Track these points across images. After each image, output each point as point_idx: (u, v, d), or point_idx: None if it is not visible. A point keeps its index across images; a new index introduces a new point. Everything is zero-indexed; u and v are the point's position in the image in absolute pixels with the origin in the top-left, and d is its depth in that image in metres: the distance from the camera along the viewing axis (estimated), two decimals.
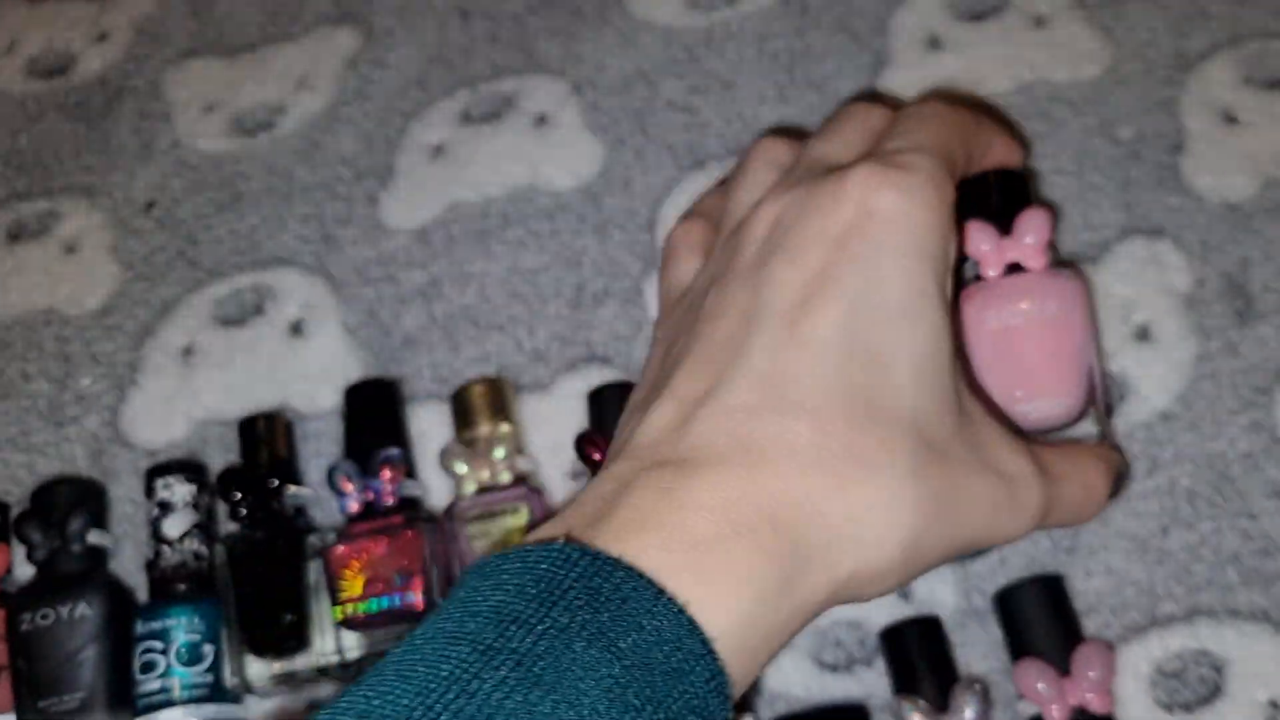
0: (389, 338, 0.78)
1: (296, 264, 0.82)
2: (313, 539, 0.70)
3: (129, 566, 0.76)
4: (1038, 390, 0.63)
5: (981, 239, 0.64)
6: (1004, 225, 0.64)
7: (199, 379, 0.80)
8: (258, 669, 0.70)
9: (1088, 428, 0.66)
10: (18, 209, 0.89)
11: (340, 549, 0.69)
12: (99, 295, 0.84)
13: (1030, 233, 0.64)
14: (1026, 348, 0.63)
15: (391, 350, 0.78)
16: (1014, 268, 0.64)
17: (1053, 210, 0.69)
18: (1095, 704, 0.60)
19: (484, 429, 0.72)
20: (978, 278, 0.65)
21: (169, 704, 0.69)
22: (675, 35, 0.84)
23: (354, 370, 0.78)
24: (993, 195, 0.66)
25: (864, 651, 0.68)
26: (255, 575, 0.70)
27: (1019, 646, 0.64)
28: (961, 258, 0.65)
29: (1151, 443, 0.68)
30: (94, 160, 0.89)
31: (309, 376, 0.78)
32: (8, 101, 0.93)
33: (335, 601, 0.68)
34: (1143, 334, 0.71)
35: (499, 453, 0.70)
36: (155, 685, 0.69)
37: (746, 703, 0.67)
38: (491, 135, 0.83)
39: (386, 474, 0.70)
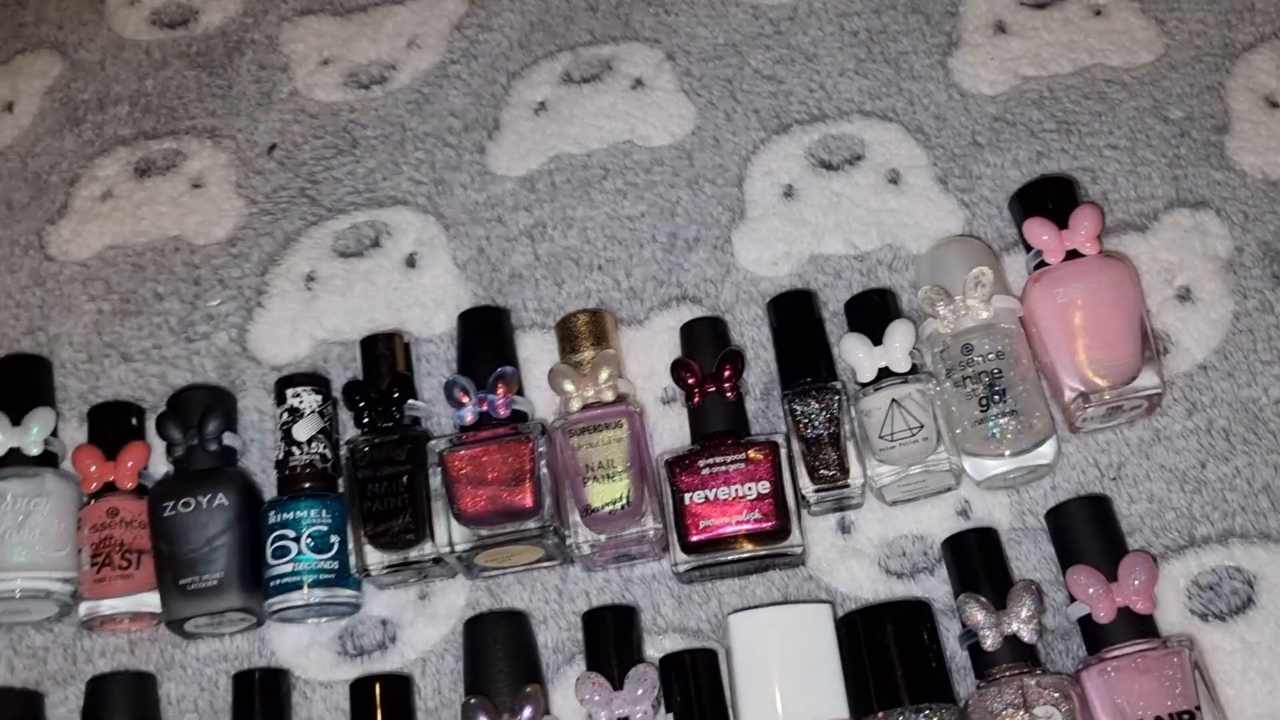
0: (496, 273, 0.86)
1: (410, 204, 0.90)
2: (431, 444, 0.78)
3: (253, 467, 0.83)
4: (1098, 351, 0.73)
5: (1043, 231, 0.76)
6: (1060, 221, 0.76)
7: (320, 303, 0.87)
8: (376, 558, 0.77)
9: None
10: (146, 146, 0.96)
11: (457, 454, 0.76)
12: (225, 226, 0.91)
13: (1084, 225, 0.76)
14: (1086, 317, 0.74)
15: (499, 284, 0.86)
16: (1071, 254, 0.76)
17: (1100, 207, 0.77)
18: (1140, 606, 0.68)
19: (587, 353, 0.79)
20: (1041, 264, 0.76)
21: (298, 586, 0.76)
22: (763, 11, 0.92)
23: (464, 301, 0.85)
24: (1048, 197, 0.78)
25: (927, 561, 0.75)
26: (377, 476, 0.78)
27: (1069, 556, 0.71)
28: (1026, 248, 0.77)
29: (1191, 389, 0.76)
30: (216, 105, 0.97)
31: (422, 305, 0.86)
32: (133, 49, 1.01)
33: (451, 500, 0.76)
34: (1185, 295, 0.79)
35: (603, 374, 0.78)
36: (286, 569, 0.77)
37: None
38: (592, 95, 0.91)
39: (501, 389, 0.78)
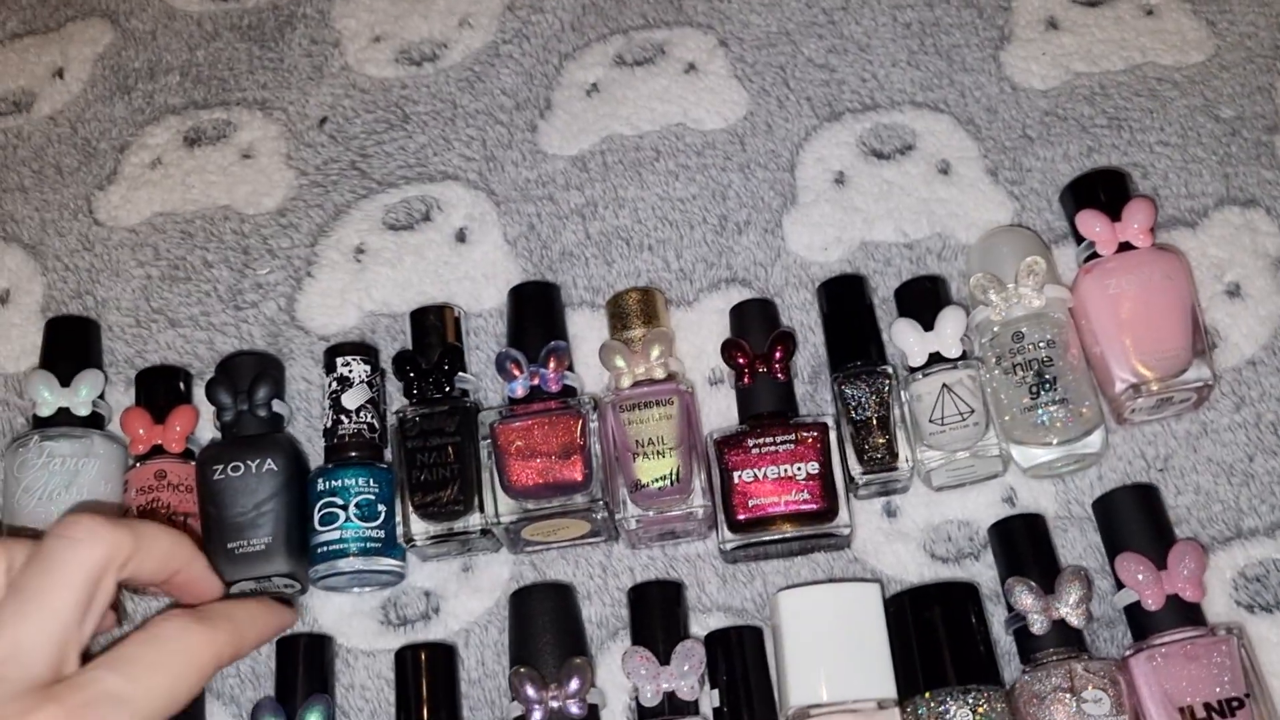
0: (547, 250, 0.86)
1: (461, 179, 0.90)
2: (481, 416, 0.78)
3: (298, 436, 0.83)
4: (1149, 343, 0.74)
5: (1095, 224, 0.77)
6: (1112, 214, 0.76)
7: (369, 275, 0.87)
8: (422, 528, 0.77)
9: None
10: (196, 116, 0.96)
11: (508, 426, 0.77)
12: (275, 197, 0.92)
13: (1137, 218, 0.76)
14: (1138, 309, 0.75)
15: (549, 261, 0.86)
16: (1124, 246, 0.76)
17: (1153, 200, 0.77)
18: (1189, 594, 0.68)
19: (638, 331, 0.80)
20: (1093, 256, 0.77)
21: (344, 554, 0.77)
22: (815, 0, 0.93)
23: (513, 276, 0.86)
24: (1101, 190, 0.79)
25: (972, 547, 0.76)
26: (426, 446, 0.78)
27: (1117, 544, 0.72)
28: (1079, 238, 0.78)
29: (1240, 384, 0.77)
30: (267, 78, 0.97)
31: (472, 279, 0.86)
32: (184, 19, 1.01)
33: (501, 473, 0.76)
34: (1234, 291, 0.79)
35: (655, 351, 0.78)
36: (334, 535, 0.77)
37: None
38: (644, 78, 0.92)
39: (553, 364, 0.78)
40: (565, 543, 0.79)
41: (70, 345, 0.85)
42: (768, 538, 0.75)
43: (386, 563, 0.78)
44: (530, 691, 0.70)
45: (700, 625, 0.76)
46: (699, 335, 0.82)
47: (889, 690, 0.69)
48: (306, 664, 0.76)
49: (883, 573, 0.76)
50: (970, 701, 0.68)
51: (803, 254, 0.84)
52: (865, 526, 0.77)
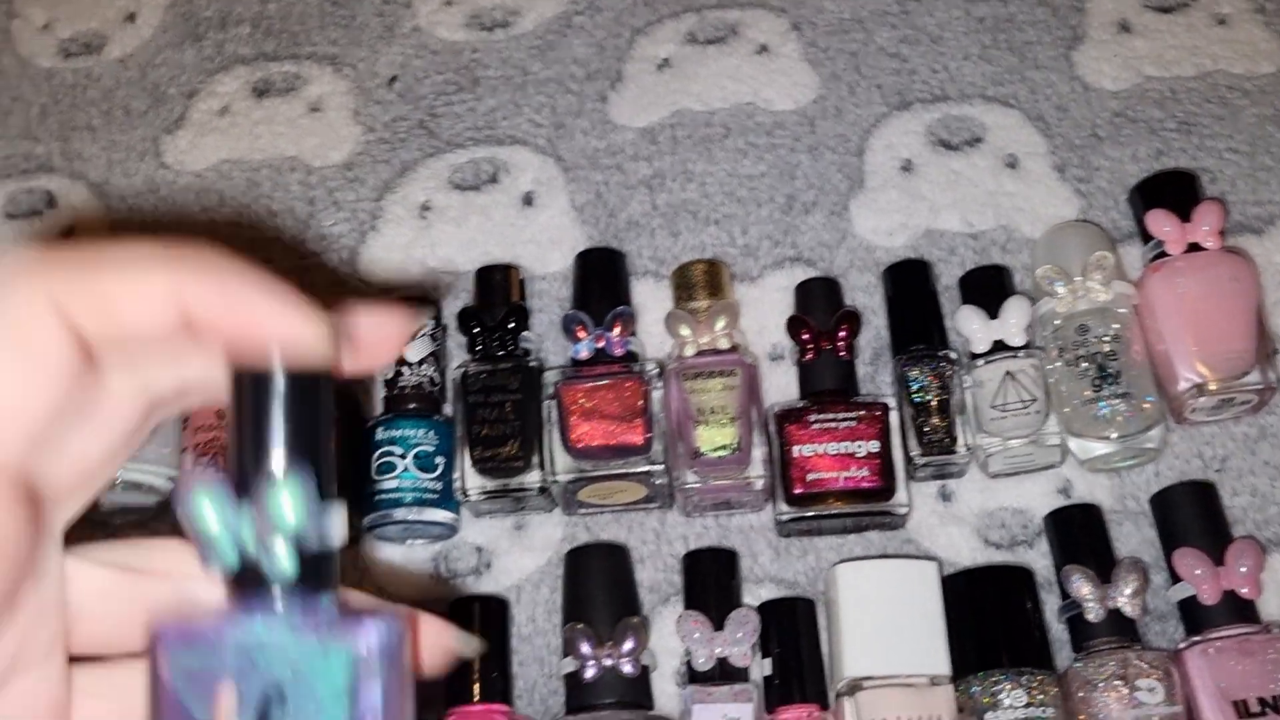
0: (614, 218, 0.87)
1: (530, 144, 0.90)
2: (546, 375, 0.78)
3: (360, 386, 0.84)
4: (1214, 343, 0.74)
5: (1165, 223, 0.77)
6: (1181, 214, 0.77)
7: (435, 232, 0.88)
8: (479, 483, 0.78)
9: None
10: (266, 68, 0.97)
11: (573, 386, 0.77)
12: (342, 151, 0.92)
13: (1208, 220, 0.77)
14: (1204, 309, 0.75)
15: (615, 229, 0.87)
16: (1192, 247, 0.77)
17: (1223, 203, 0.78)
18: (1246, 590, 0.69)
19: (703, 302, 0.80)
20: (1161, 255, 0.77)
21: (399, 504, 0.77)
22: None
23: (579, 242, 0.86)
24: (1170, 191, 0.79)
25: (1026, 534, 0.76)
26: (488, 402, 0.78)
27: (1174, 540, 0.72)
28: (1146, 238, 0.78)
29: None
30: (338, 34, 0.98)
31: (538, 242, 0.87)
32: None
33: (563, 432, 0.76)
34: None
35: (720, 322, 0.79)
36: (391, 485, 0.77)
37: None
38: (716, 56, 0.92)
39: (618, 328, 0.79)
40: (620, 507, 0.79)
41: None
42: (824, 512, 0.75)
43: (441, 515, 0.78)
44: (586, 647, 0.71)
45: (751, 596, 0.76)
46: (762, 311, 0.83)
47: (943, 667, 0.70)
48: None
49: (935, 555, 0.76)
50: (1024, 683, 0.69)
51: (868, 237, 0.85)
52: (920, 509, 0.77)
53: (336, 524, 0.35)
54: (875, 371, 0.81)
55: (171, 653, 0.34)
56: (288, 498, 0.33)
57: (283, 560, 0.34)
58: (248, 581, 0.34)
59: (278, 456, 0.33)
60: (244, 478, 0.34)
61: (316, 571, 0.34)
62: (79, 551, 0.34)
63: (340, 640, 0.34)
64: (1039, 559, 0.75)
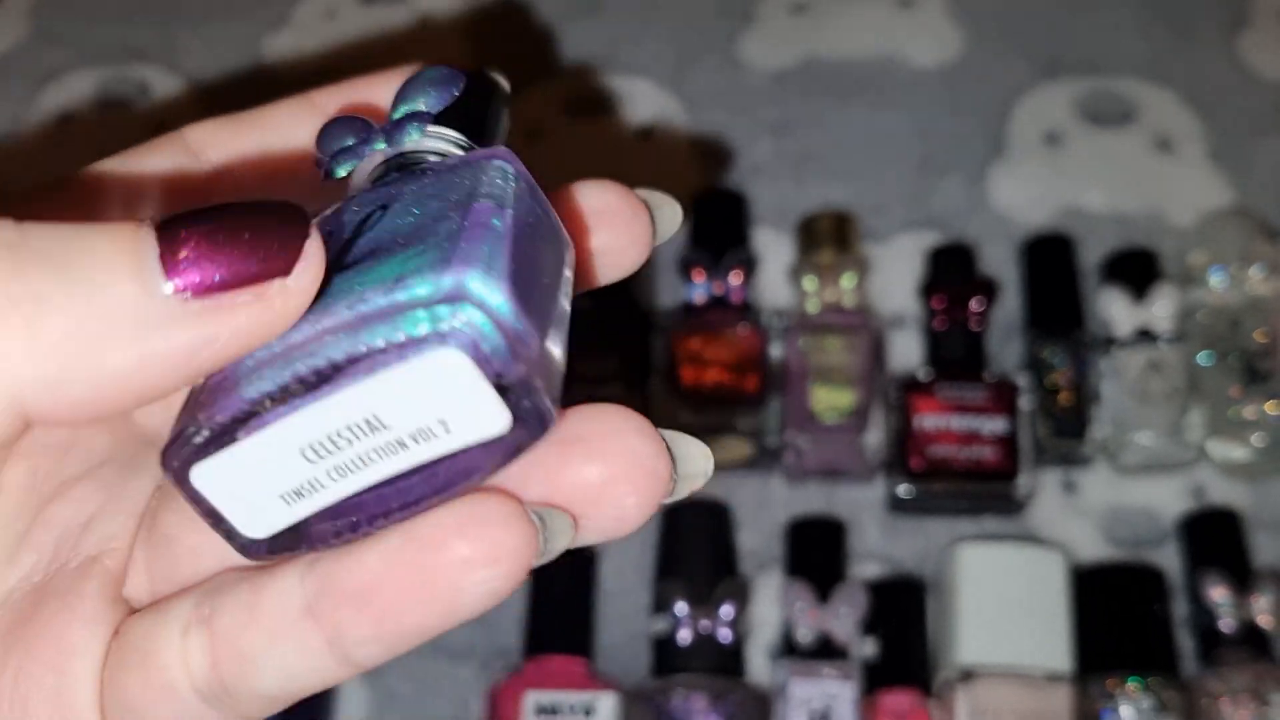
0: (737, 161, 0.82)
1: (651, 77, 0.86)
2: (658, 319, 0.74)
3: None
4: None
5: None
6: None
7: (546, 158, 0.83)
8: None
9: None
10: None
11: (687, 333, 0.72)
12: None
13: None
14: None
15: (738, 173, 0.82)
16: None
17: None
18: None
19: (830, 256, 0.75)
20: None
21: None
22: None
23: (697, 183, 0.81)
24: None
25: (1152, 535, 0.72)
26: (592, 341, 0.74)
27: None
28: None
29: None
30: None
31: (653, 180, 0.82)
32: None
33: (674, 378, 0.72)
34: None
35: (848, 279, 0.74)
36: None
37: None
38: (856, 6, 0.87)
39: (738, 274, 0.74)
40: (722, 464, 0.74)
41: None
42: (941, 489, 0.71)
43: None
44: (682, 606, 0.66)
45: (854, 572, 0.71)
46: (888, 273, 0.78)
47: (1063, 663, 0.65)
48: None
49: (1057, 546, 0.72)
50: (1148, 689, 0.64)
51: (1005, 209, 0.80)
52: (1042, 498, 0.73)
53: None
54: (1003, 350, 0.76)
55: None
56: (420, 93, 0.31)
57: (409, 135, 0.31)
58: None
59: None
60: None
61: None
62: None
63: (477, 156, 0.29)
64: (1164, 563, 0.70)
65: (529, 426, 0.26)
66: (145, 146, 0.34)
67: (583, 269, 0.32)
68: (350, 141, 0.31)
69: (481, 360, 0.25)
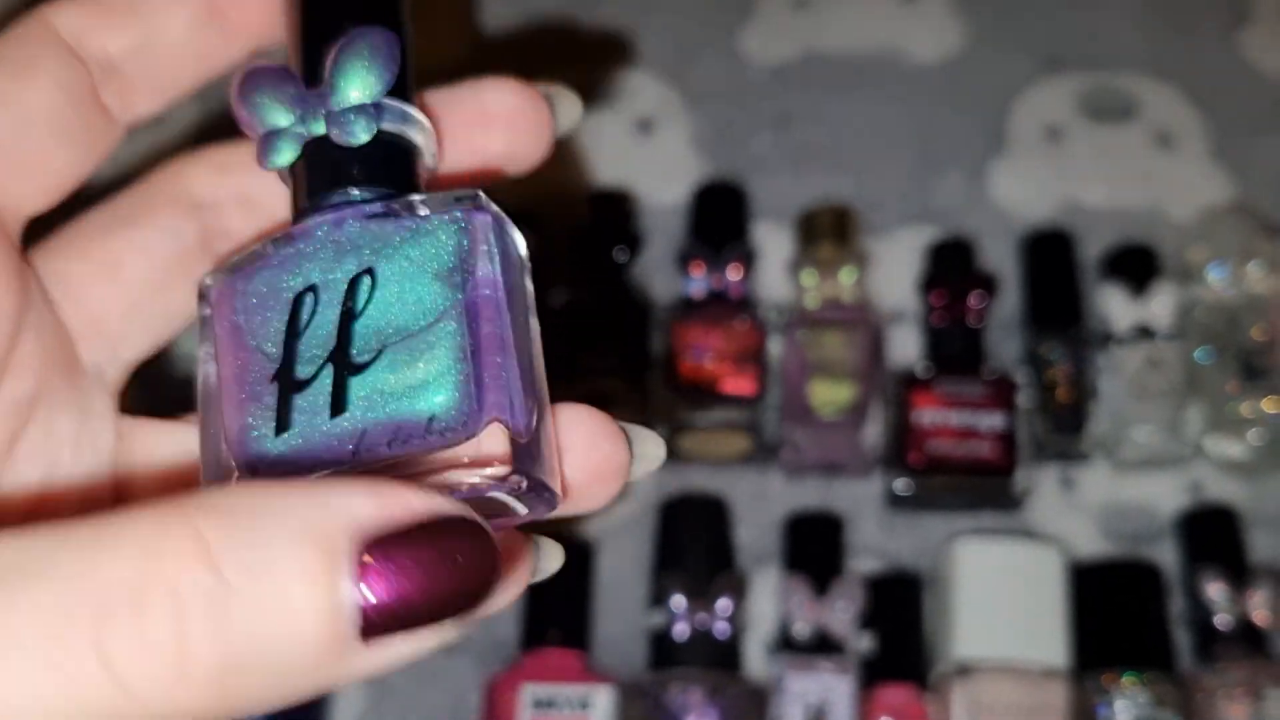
0: (736, 155, 0.82)
1: (651, 70, 0.85)
2: (656, 313, 0.74)
3: None
4: None
5: None
6: None
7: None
8: None
9: None
10: None
11: (685, 326, 0.72)
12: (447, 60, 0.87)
13: None
14: None
15: (737, 167, 0.82)
16: None
17: None
18: None
19: (830, 251, 0.75)
20: None
21: None
22: None
23: (697, 176, 0.81)
24: None
25: (1149, 531, 0.72)
26: (591, 335, 0.74)
27: None
28: None
29: None
30: None
31: (652, 173, 0.82)
32: None
33: (673, 373, 0.72)
34: None
35: (848, 274, 0.74)
36: None
37: None
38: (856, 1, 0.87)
39: (738, 268, 0.74)
40: (719, 459, 0.74)
41: None
42: (939, 485, 0.71)
43: None
44: (679, 600, 0.66)
45: (852, 566, 0.71)
46: (886, 268, 0.78)
47: (1059, 659, 0.65)
48: None
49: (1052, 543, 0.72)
50: (1144, 685, 0.64)
51: (1004, 203, 0.80)
52: (1040, 494, 0.73)
53: (418, 123, 0.31)
54: (1001, 345, 0.76)
55: (240, 287, 0.29)
56: (365, 61, 0.30)
57: (359, 129, 0.29)
58: (318, 169, 0.30)
59: (347, 33, 0.30)
60: (310, 61, 0.30)
61: (396, 163, 0.30)
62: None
63: (444, 215, 0.29)
64: (1160, 559, 0.70)
65: (539, 508, 0.28)
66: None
67: (489, 168, 0.34)
68: (283, 120, 0.30)
69: (502, 490, 0.27)
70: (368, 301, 0.27)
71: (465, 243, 0.28)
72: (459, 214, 0.28)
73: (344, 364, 0.26)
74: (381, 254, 0.28)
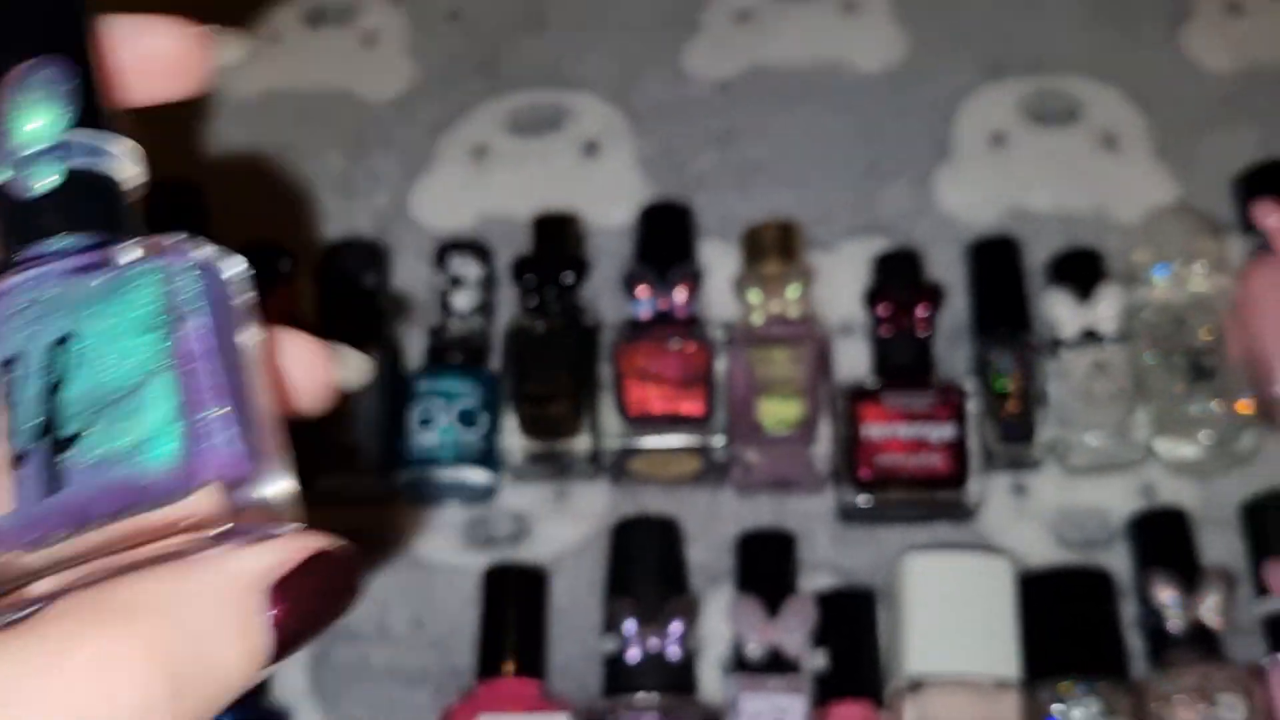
0: (681, 173, 0.82)
1: (596, 91, 0.86)
2: (603, 336, 0.74)
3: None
4: None
5: (1270, 215, 0.72)
6: None
7: (490, 177, 0.83)
8: (524, 444, 0.73)
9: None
10: None
11: (632, 349, 0.72)
12: (396, 87, 0.87)
13: None
14: None
15: (682, 185, 0.82)
16: None
17: None
18: None
19: (774, 267, 0.75)
20: (1264, 249, 0.73)
21: (436, 461, 0.73)
22: None
23: (643, 196, 0.81)
24: (1276, 181, 0.75)
25: (1102, 535, 0.72)
26: (539, 359, 0.74)
27: (1265, 550, 0.67)
28: (1248, 230, 0.74)
29: None
30: None
31: (598, 195, 0.82)
32: None
33: (619, 397, 0.72)
34: None
35: (793, 290, 0.74)
36: (432, 440, 0.73)
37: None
38: (799, 11, 0.87)
39: (684, 289, 0.74)
40: (670, 479, 0.74)
41: (176, 210, 0.81)
42: (891, 498, 0.71)
43: (480, 474, 0.73)
44: (631, 624, 0.66)
45: (806, 583, 0.71)
46: (834, 281, 0.78)
47: (1011, 670, 0.65)
48: None
49: (1007, 552, 0.71)
50: (1097, 693, 0.64)
51: (951, 211, 0.80)
52: (992, 503, 0.73)
53: (113, 153, 0.29)
54: (951, 354, 0.76)
55: None
56: (42, 97, 0.28)
57: (41, 175, 0.28)
58: (10, 221, 0.28)
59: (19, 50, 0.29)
60: None
61: (96, 201, 0.29)
62: None
63: (146, 264, 0.27)
64: (1114, 562, 0.70)
65: (270, 531, 0.29)
66: None
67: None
68: None
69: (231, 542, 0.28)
70: (74, 366, 0.26)
71: (170, 289, 0.27)
72: (160, 262, 0.27)
73: (53, 440, 0.26)
74: (83, 313, 0.27)
